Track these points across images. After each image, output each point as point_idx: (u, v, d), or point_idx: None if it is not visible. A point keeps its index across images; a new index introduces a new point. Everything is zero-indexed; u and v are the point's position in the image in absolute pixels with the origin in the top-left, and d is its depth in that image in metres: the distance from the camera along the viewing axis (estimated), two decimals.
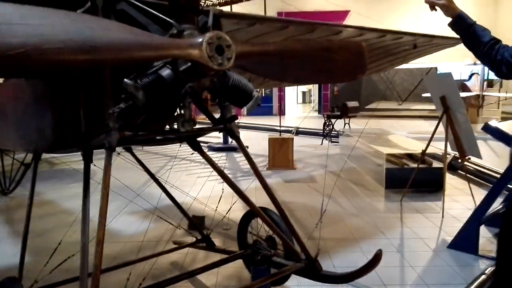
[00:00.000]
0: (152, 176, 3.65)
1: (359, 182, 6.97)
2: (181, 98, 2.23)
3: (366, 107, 16.30)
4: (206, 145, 10.67)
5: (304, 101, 31.42)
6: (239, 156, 9.44)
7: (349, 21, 19.15)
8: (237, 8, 13.47)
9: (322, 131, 11.52)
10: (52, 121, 2.86)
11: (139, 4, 2.22)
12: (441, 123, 5.44)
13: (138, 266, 3.45)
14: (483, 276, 3.13)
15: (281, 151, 8.00)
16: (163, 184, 3.66)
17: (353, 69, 2.68)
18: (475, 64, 19.46)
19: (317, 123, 13.76)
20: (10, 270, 3.74)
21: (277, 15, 18.72)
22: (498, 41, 2.38)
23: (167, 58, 2.00)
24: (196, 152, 2.72)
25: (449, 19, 2.56)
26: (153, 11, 2.19)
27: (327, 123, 11.15)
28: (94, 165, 2.59)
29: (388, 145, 7.54)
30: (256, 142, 10.64)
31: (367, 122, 5.55)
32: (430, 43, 5.08)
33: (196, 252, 4.08)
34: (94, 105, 2.50)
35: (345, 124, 11.38)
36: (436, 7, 2.56)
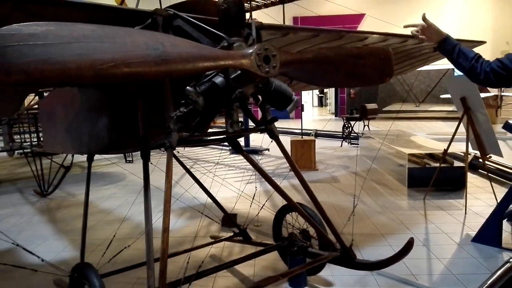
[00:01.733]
0: (194, 177, 3.96)
1: (382, 182, 7.16)
2: (230, 103, 2.52)
3: (384, 109, 16.41)
4: (228, 148, 10.98)
5: (320, 105, 31.59)
6: (260, 158, 9.72)
7: (364, 24, 19.35)
8: (256, 13, 13.78)
9: (341, 133, 11.71)
10: (108, 125, 3.18)
11: (194, 21, 2.50)
12: (461, 124, 5.62)
13: (179, 258, 3.72)
14: (508, 264, 3.31)
15: (303, 153, 8.24)
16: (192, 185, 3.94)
17: (381, 73, 2.92)
18: None
19: (335, 125, 13.97)
20: (64, 263, 4.08)
21: (293, 19, 19.05)
22: (481, 56, 2.67)
23: (223, 68, 2.27)
24: (221, 155, 2.99)
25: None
26: (207, 27, 2.48)
27: (346, 125, 11.34)
28: (151, 163, 2.88)
29: (409, 145, 7.71)
30: (276, 144, 10.88)
31: (392, 123, 5.76)
32: None
33: (232, 246, 4.35)
34: (151, 111, 2.81)
35: (364, 126, 11.57)
36: (421, 36, 2.76)
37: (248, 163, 3.25)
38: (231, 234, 4.11)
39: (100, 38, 1.80)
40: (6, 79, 1.56)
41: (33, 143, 7.17)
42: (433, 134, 12.16)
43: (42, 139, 6.12)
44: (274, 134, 2.97)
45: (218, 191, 6.63)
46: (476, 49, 3.02)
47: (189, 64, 2.02)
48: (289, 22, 16.65)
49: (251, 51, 2.20)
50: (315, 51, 2.67)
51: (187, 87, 2.27)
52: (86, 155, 3.58)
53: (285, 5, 11.33)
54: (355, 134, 11.02)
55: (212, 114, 2.65)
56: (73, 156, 6.51)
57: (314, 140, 8.58)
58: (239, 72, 2.37)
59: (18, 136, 8.47)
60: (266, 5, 12.69)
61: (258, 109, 3.00)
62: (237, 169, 8.74)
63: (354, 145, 10.96)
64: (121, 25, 2.27)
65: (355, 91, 20.27)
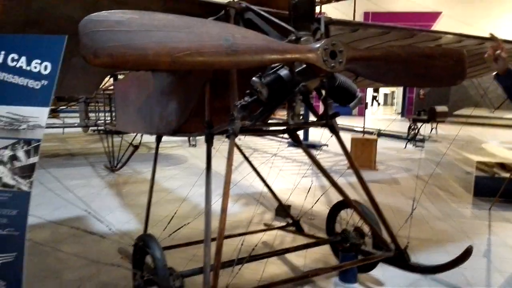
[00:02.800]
0: (252, 166, 4.08)
1: (445, 188, 6.88)
2: (293, 95, 2.58)
3: (455, 113, 15.59)
4: (286, 141, 11.04)
5: (385, 103, 30.63)
6: (318, 153, 9.68)
7: (440, 23, 18.40)
8: (326, 7, 13.61)
9: (406, 135, 11.33)
10: (178, 109, 3.37)
11: (264, 14, 2.58)
12: None
13: (233, 241, 3.85)
14: None
15: (363, 152, 8.10)
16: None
17: (453, 75, 2.83)
18: None
19: (400, 126, 13.51)
20: (128, 234, 4.38)
21: (363, 15, 18.55)
22: None
23: (290, 61, 2.33)
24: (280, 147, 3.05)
25: None
26: (276, 20, 2.54)
27: (413, 127, 10.94)
28: (213, 148, 3.01)
29: (479, 153, 7.33)
30: (335, 140, 10.79)
31: (460, 128, 5.49)
32: None
33: (283, 236, 4.43)
34: (216, 98, 2.94)
35: (432, 129, 11.10)
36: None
37: (305, 157, 3.30)
38: (285, 224, 4.19)
39: (178, 28, 1.93)
40: (93, 60, 1.74)
41: (107, 121, 7.70)
42: (507, 142, 11.37)
43: (115, 118, 6.55)
44: (335, 129, 2.99)
45: (274, 181, 6.71)
46: None
47: (257, 56, 2.10)
48: (359, 18, 16.25)
49: (318, 45, 2.24)
50: (384, 49, 2.65)
51: (253, 78, 2.36)
52: (155, 136, 3.80)
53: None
54: (421, 137, 10.60)
55: (275, 105, 2.72)
56: (142, 136, 6.91)
57: (376, 140, 8.39)
58: (305, 66, 2.41)
59: (93, 114, 9.11)
60: None
61: (320, 103, 3.04)
62: (294, 162, 8.78)
63: (418, 148, 10.55)
64: (195, 16, 2.41)
65: (425, 92, 19.40)
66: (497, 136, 13.74)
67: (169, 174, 7.40)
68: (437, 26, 18.44)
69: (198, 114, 3.20)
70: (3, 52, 1.72)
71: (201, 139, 10.08)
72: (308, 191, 4.54)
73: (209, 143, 2.91)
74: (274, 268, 3.72)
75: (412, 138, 10.96)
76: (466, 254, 2.83)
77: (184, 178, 7.10)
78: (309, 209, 4.56)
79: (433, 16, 18.24)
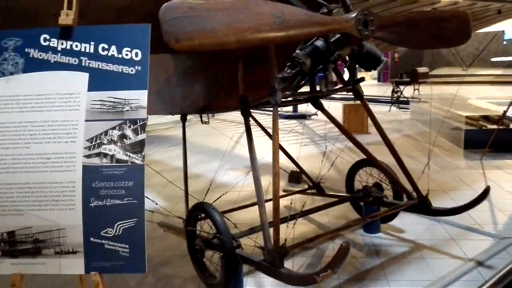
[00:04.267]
0: (270, 136, 4.31)
1: (436, 144, 7.32)
2: (328, 64, 2.82)
3: (430, 73, 16.13)
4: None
5: (360, 70, 31.10)
6: (310, 122, 10.02)
7: None
8: None
9: (389, 98, 11.75)
10: (205, 87, 3.56)
11: None
12: None
13: (255, 208, 4.11)
14: None
15: (356, 117, 8.45)
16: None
17: (461, 35, 3.12)
18: None
19: (378, 90, 13.93)
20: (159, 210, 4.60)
21: None
22: None
23: (331, 32, 2.56)
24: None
25: None
26: None
27: (396, 90, 11.37)
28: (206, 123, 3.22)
29: (463, 109, 7.78)
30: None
31: (458, 88, 5.85)
32: None
33: (302, 198, 4.74)
34: (250, 73, 3.14)
35: (414, 90, 11.56)
36: None
37: (298, 127, 3.53)
38: (305, 187, 4.49)
39: (238, 9, 2.14)
40: (175, 44, 1.93)
41: None
42: (483, 98, 11.97)
43: None
44: (360, 93, 3.27)
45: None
46: None
47: (305, 29, 2.34)
48: None
49: (353, 15, 2.47)
50: (405, 15, 2.92)
51: (297, 51, 2.60)
52: (180, 116, 3.98)
53: None
54: (405, 99, 11.05)
55: (312, 75, 2.96)
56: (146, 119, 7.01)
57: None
58: (338, 35, 2.65)
59: None
60: None
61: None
62: (290, 133, 9.08)
63: (403, 110, 11.01)
64: None
65: (400, 55, 19.89)
66: (473, 92, 14.38)
67: (173, 154, 7.56)
68: None
69: (228, 91, 3.42)
70: (92, 43, 1.89)
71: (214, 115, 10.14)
72: (324, 155, 4.82)
73: (247, 116, 3.13)
74: (303, 227, 4.03)
75: (395, 100, 11.39)
76: (486, 193, 3.21)
77: (190, 157, 7.29)
78: (319, 174, 4.87)
79: None
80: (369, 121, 8.87)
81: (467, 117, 6.92)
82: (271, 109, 2.79)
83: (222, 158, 6.37)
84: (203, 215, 3.04)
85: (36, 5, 2.34)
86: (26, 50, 1.91)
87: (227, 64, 3.25)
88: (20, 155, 1.80)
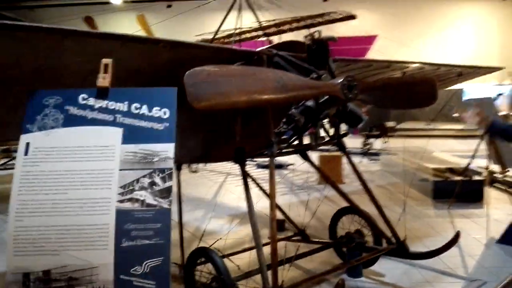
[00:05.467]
0: (263, 191, 4.62)
1: (407, 194, 7.79)
2: (318, 121, 3.21)
3: (397, 127, 17.05)
4: (254, 163, 11.65)
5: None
6: (288, 172, 10.39)
7: (377, 44, 20.23)
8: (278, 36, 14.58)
9: (359, 150, 12.36)
10: (203, 140, 3.87)
11: (290, 58, 3.21)
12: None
13: (244, 255, 4.31)
14: None
15: (331, 167, 8.88)
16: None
17: (428, 98, 3.61)
18: (501, 85, 20.16)
19: (350, 142, 14.58)
20: None
21: None
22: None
23: (321, 94, 2.96)
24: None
25: None
26: (300, 62, 3.18)
27: (366, 142, 12.01)
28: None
29: (429, 161, 8.36)
30: (300, 160, 11.63)
31: (428, 142, 6.39)
32: (474, 72, 5.99)
33: (289, 244, 4.97)
34: (246, 127, 3.49)
35: (384, 143, 12.24)
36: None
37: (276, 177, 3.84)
38: (291, 235, 4.74)
39: (247, 76, 2.52)
40: (197, 104, 2.26)
41: None
42: (446, 151, 12.77)
43: None
44: (344, 146, 3.67)
45: (257, 201, 7.26)
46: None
47: (301, 92, 2.73)
48: None
49: (339, 81, 2.90)
50: (383, 81, 3.39)
51: (293, 110, 2.98)
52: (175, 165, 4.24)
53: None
54: (375, 151, 11.67)
55: (303, 130, 3.34)
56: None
57: (342, 156, 9.24)
58: (327, 97, 3.07)
59: None
60: (291, 29, 13.57)
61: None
62: (267, 182, 9.39)
63: (373, 161, 11.59)
64: (233, 62, 3.01)
65: (367, 110, 20.93)
66: (437, 145, 15.28)
67: None
68: (375, 47, 20.28)
69: (224, 143, 3.74)
70: (126, 102, 2.19)
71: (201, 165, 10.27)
72: (307, 204, 5.14)
73: (243, 166, 3.44)
74: (292, 273, 4.24)
75: (366, 152, 12.00)
76: (456, 238, 3.59)
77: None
78: (304, 221, 5.16)
79: (370, 39, 20.01)
80: (344, 172, 9.35)
81: (434, 169, 7.46)
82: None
83: (214, 207, 6.57)
84: (202, 259, 3.24)
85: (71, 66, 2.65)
86: (65, 107, 2.18)
87: (224, 118, 3.59)
88: (59, 200, 2.02)
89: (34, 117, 2.17)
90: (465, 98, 20.78)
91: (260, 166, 11.30)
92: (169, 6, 22.31)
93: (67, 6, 22.19)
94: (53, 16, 22.08)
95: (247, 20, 11.58)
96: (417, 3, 22.71)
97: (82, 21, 17.52)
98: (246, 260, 4.25)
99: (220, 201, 7.61)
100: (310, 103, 3.10)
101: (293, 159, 10.85)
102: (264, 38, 13.20)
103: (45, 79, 2.78)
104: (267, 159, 3.18)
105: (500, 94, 17.59)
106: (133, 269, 1.99)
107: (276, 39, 12.33)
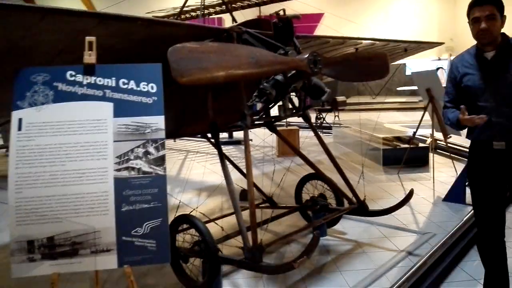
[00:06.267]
0: (233, 163, 4.83)
1: (359, 163, 8.33)
2: (285, 94, 3.46)
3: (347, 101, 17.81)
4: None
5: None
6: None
7: (324, 21, 20.75)
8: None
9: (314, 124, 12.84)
10: (175, 116, 4.00)
11: (259, 35, 3.41)
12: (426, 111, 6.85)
13: (228, 219, 4.54)
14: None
15: (289, 140, 9.23)
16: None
17: (381, 71, 3.95)
18: (439, 59, 21.45)
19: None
20: None
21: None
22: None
23: (290, 69, 3.19)
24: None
25: None
26: (268, 39, 3.39)
27: (319, 116, 12.49)
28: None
29: (378, 132, 8.93)
30: (258, 135, 11.93)
31: (379, 115, 6.84)
32: (418, 47, 6.47)
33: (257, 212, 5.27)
34: (218, 101, 3.67)
35: (335, 116, 12.78)
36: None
37: (236, 152, 4.15)
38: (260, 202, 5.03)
39: (224, 52, 2.70)
40: (180, 79, 2.42)
41: None
42: (392, 122, 13.58)
43: None
44: (308, 118, 3.95)
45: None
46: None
47: (272, 67, 2.95)
48: None
49: (306, 56, 3.14)
50: (342, 56, 3.67)
51: (264, 83, 3.19)
52: None
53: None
54: (327, 124, 12.19)
55: (273, 103, 3.57)
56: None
57: (298, 129, 9.63)
58: (294, 71, 3.31)
59: None
60: (243, 7, 13.64)
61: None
62: (230, 157, 9.62)
63: (326, 134, 12.12)
64: (205, 38, 3.19)
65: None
66: (382, 118, 16.14)
67: None
68: (321, 24, 20.80)
69: (196, 118, 3.91)
70: (114, 78, 2.30)
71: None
72: (273, 174, 5.43)
73: (217, 139, 3.65)
74: (263, 236, 4.53)
75: (319, 126, 12.49)
76: (409, 196, 4.02)
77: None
78: (270, 191, 5.46)
79: (317, 16, 20.48)
80: (300, 145, 9.75)
81: (383, 138, 8.02)
82: None
83: (185, 183, 6.69)
84: (184, 226, 3.43)
85: (45, 43, 2.70)
86: (54, 84, 2.27)
87: (195, 94, 3.75)
88: (57, 171, 2.14)
89: (23, 94, 2.23)
90: (408, 72, 22.01)
91: (223, 143, 11.49)
92: None
93: None
94: None
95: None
96: None
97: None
98: (223, 226, 4.49)
99: (185, 177, 7.76)
100: (279, 77, 3.33)
101: (252, 135, 11.18)
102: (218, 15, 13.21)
103: (16, 57, 2.80)
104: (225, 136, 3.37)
105: (438, 68, 18.76)
106: (134, 230, 2.16)
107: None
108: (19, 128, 2.17)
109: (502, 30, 2.62)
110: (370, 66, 3.83)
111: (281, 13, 3.44)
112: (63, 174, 2.14)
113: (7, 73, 2.38)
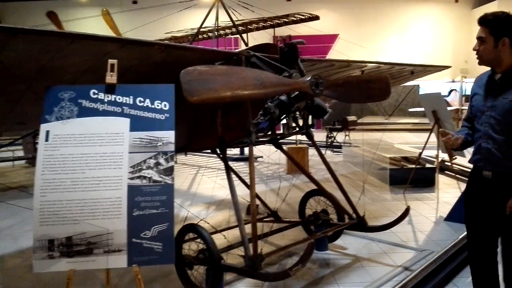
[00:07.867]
0: (239, 177, 5.07)
1: (367, 181, 8.48)
2: (289, 113, 3.71)
3: (358, 121, 17.95)
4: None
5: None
6: (257, 164, 10.90)
7: (338, 43, 21.09)
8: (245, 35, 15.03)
9: (324, 143, 13.03)
10: (186, 131, 4.28)
11: (266, 59, 3.68)
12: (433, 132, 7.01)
13: (230, 232, 4.77)
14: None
15: (297, 159, 9.44)
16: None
17: (383, 93, 4.17)
18: (453, 81, 21.51)
19: (314, 136, 15.32)
20: None
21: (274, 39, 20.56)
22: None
23: (293, 90, 3.44)
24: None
25: None
26: (274, 63, 3.66)
27: (329, 135, 12.69)
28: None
29: (387, 152, 9.09)
30: (268, 153, 12.16)
31: (382, 135, 7.05)
32: (424, 70, 6.68)
33: (262, 225, 5.48)
34: (226, 118, 3.93)
35: (345, 136, 12.96)
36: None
37: (244, 168, 4.38)
38: (264, 216, 5.24)
39: (231, 74, 2.97)
40: (191, 99, 2.68)
41: None
42: (403, 143, 13.68)
43: None
44: (311, 136, 4.19)
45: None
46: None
47: (277, 88, 3.21)
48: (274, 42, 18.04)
49: (308, 79, 3.40)
50: (344, 79, 3.92)
51: (269, 103, 3.45)
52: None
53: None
54: (338, 143, 12.36)
55: (277, 121, 3.82)
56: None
57: (307, 148, 9.84)
58: (297, 92, 3.56)
59: None
60: (258, 29, 14.05)
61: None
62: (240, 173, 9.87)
63: (336, 153, 12.30)
64: (216, 61, 3.46)
65: (331, 104, 21.77)
66: (394, 138, 16.25)
67: None
68: (336, 45, 21.14)
69: (206, 133, 4.17)
70: (131, 97, 2.59)
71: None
72: (279, 189, 5.65)
73: (225, 154, 3.90)
74: (266, 249, 4.73)
75: (330, 145, 12.68)
76: (406, 213, 4.19)
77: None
78: (276, 206, 5.67)
79: (332, 37, 20.86)
80: (309, 163, 9.95)
81: (390, 158, 8.18)
82: None
83: (193, 197, 6.95)
84: (190, 235, 3.66)
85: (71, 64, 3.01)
86: (79, 100, 2.56)
87: (206, 112, 4.02)
88: (77, 178, 2.41)
89: (51, 109, 2.53)
90: (420, 93, 22.08)
91: (231, 159, 11.75)
92: (134, 2, 22.24)
93: (30, 1, 21.65)
94: (16, 11, 21.60)
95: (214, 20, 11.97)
96: (376, 4, 23.77)
97: (45, 16, 17.27)
98: (228, 237, 4.70)
99: (195, 191, 8.02)
100: (283, 97, 3.58)
101: (262, 153, 11.42)
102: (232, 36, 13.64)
103: (46, 76, 3.12)
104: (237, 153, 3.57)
105: (452, 90, 18.84)
106: (143, 233, 2.40)
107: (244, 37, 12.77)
108: (46, 139, 2.46)
109: None
110: (371, 88, 4.06)
111: (287, 39, 3.72)
112: (82, 181, 2.41)
113: (37, 90, 2.68)
